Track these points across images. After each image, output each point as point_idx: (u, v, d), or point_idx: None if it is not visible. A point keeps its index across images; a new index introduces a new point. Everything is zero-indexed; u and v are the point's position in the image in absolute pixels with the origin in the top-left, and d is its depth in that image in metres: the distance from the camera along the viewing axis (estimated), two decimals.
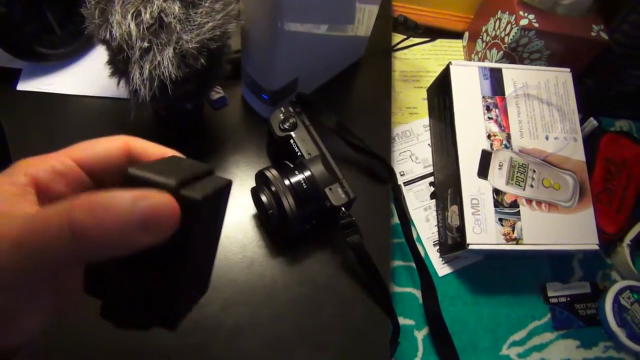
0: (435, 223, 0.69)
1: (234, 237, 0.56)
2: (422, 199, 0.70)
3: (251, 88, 0.60)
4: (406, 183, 0.71)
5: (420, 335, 0.64)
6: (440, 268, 0.67)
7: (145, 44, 0.43)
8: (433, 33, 0.82)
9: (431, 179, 0.71)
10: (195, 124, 0.62)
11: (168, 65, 0.43)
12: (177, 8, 0.43)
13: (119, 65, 0.47)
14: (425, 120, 0.75)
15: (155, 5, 0.43)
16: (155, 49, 0.44)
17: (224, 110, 0.63)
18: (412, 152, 0.72)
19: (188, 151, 0.59)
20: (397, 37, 0.79)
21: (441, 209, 0.68)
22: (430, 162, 0.72)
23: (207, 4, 0.44)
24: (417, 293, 0.65)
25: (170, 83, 0.44)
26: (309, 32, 0.53)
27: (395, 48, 0.78)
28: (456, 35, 0.85)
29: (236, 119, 0.63)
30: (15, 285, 0.20)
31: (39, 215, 0.20)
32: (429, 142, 0.73)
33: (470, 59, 0.80)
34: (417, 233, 0.69)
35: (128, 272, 0.22)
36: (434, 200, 0.70)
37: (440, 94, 0.69)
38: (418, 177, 0.71)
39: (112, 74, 0.49)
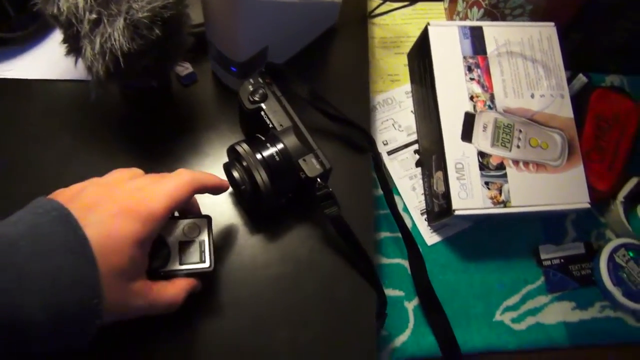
0: (422, 191, 0.67)
1: (210, 214, 0.54)
2: (407, 167, 0.68)
3: (219, 61, 0.57)
4: (390, 152, 0.69)
5: (411, 305, 0.62)
6: (429, 237, 0.66)
7: (94, 16, 0.41)
8: None
9: (416, 146, 0.69)
10: (163, 102, 0.59)
11: (119, 37, 0.41)
12: None
13: (71, 42, 0.44)
14: (407, 86, 0.73)
15: None
16: (105, 20, 0.41)
17: (194, 87, 0.61)
18: (394, 120, 0.70)
19: (158, 131, 0.58)
20: (375, 3, 0.76)
21: (427, 177, 0.66)
22: (414, 129, 0.70)
23: None
24: (406, 264, 0.63)
25: (122, 56, 0.42)
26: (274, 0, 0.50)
27: (372, 14, 0.75)
28: None
29: (207, 95, 0.61)
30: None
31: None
32: (412, 109, 0.71)
33: (452, 19, 0.77)
34: (404, 203, 0.67)
35: None
36: (419, 168, 0.68)
37: (420, 58, 0.67)
38: (402, 146, 0.69)
39: (68, 53, 0.47)
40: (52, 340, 0.33)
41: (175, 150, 0.57)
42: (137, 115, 0.59)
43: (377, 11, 0.76)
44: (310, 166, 0.49)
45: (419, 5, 0.81)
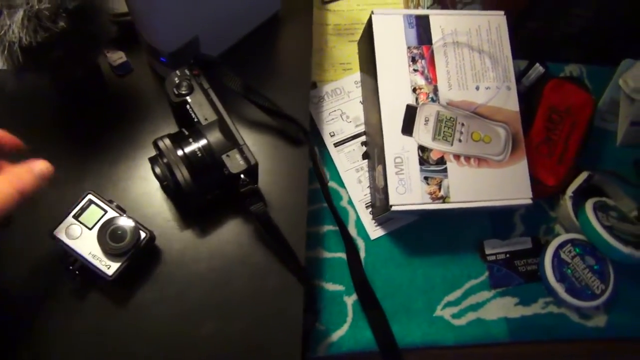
0: (368, 184, 0.66)
1: (138, 210, 0.53)
2: (353, 160, 0.67)
3: (148, 51, 0.55)
4: (337, 144, 0.67)
5: (350, 300, 0.62)
6: (373, 230, 0.65)
7: None
8: None
9: (363, 138, 0.68)
10: (95, 92, 0.58)
11: (18, 30, 0.39)
12: None
13: None
14: (358, 75, 0.71)
15: None
16: (5, 12, 0.40)
17: (129, 77, 0.59)
18: (342, 111, 0.69)
19: (93, 122, 0.56)
20: None
21: (372, 170, 0.65)
22: (362, 120, 0.68)
23: None
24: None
25: (24, 49, 0.40)
26: None
27: (326, 0, 0.73)
28: None
29: (142, 86, 0.59)
30: None
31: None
32: (361, 100, 0.69)
33: (408, 7, 0.75)
34: (349, 196, 0.66)
35: None
36: (366, 160, 0.67)
37: (366, 47, 0.65)
38: (349, 137, 0.68)
39: None
40: None
41: (108, 141, 0.56)
42: (70, 106, 0.57)
43: None
44: (234, 162, 0.48)
45: None
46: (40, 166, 0.40)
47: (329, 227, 0.64)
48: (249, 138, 0.57)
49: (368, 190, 0.66)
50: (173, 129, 0.58)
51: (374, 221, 0.65)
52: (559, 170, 0.65)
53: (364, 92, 0.68)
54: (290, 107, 0.57)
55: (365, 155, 0.67)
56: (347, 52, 0.73)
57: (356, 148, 0.67)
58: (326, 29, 0.75)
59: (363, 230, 0.65)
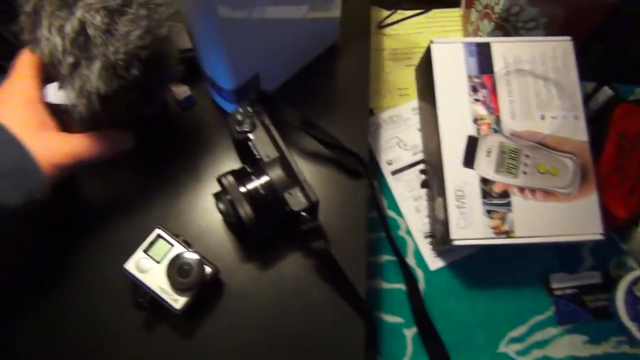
0: (427, 214, 0.65)
1: (201, 242, 0.55)
2: (411, 188, 0.66)
3: (212, 86, 0.57)
4: (394, 172, 0.67)
5: (410, 333, 0.61)
6: (433, 261, 0.64)
7: (71, 60, 0.41)
8: (426, 2, 0.76)
9: (421, 166, 0.67)
10: (160, 126, 0.60)
11: (96, 80, 0.41)
12: (99, 18, 0.41)
13: (60, 80, 0.45)
14: (415, 102, 0.70)
15: (77, 17, 0.41)
16: (84, 63, 0.42)
17: (192, 110, 0.61)
18: (400, 139, 0.68)
19: (155, 155, 0.58)
20: (386, 12, 0.73)
21: (431, 199, 0.63)
22: (420, 148, 0.67)
23: (132, 11, 0.42)
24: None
25: (101, 98, 0.42)
26: (256, 18, 0.48)
27: (383, 24, 0.73)
28: (453, 2, 0.78)
29: (205, 119, 0.60)
30: None
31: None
32: (418, 127, 0.68)
33: (465, 31, 0.73)
34: (407, 225, 0.65)
35: None
36: (425, 189, 0.66)
37: (425, 75, 0.64)
38: (407, 165, 0.67)
39: (60, 87, 0.48)
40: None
41: (170, 174, 0.58)
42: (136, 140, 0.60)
43: (388, 20, 0.73)
44: (296, 200, 0.49)
45: (433, 12, 0.77)
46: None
47: (387, 257, 0.64)
48: (307, 170, 0.58)
49: (427, 220, 0.65)
50: (234, 161, 0.59)
51: (433, 251, 0.64)
52: (631, 201, 0.62)
53: (422, 120, 0.67)
54: (348, 138, 0.57)
55: (424, 184, 0.66)
56: (404, 77, 0.73)
57: (414, 176, 0.66)
58: (382, 53, 0.74)
59: (422, 261, 0.63)
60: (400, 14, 0.74)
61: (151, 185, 0.58)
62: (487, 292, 0.62)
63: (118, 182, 0.58)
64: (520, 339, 0.61)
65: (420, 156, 0.67)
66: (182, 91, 0.60)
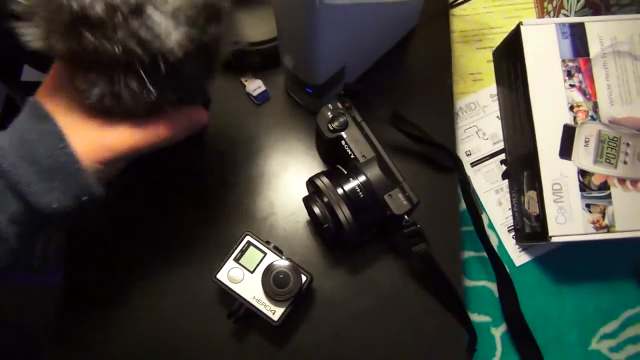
0: (509, 206, 0.62)
1: (289, 248, 0.52)
2: (492, 180, 0.63)
3: (292, 81, 0.53)
4: (473, 163, 0.63)
5: (498, 332, 0.59)
6: (517, 256, 0.61)
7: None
8: None
9: (502, 156, 0.63)
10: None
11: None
12: None
13: None
14: (493, 88, 0.66)
15: None
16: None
17: (266, 106, 0.58)
18: (478, 128, 0.64)
19: (225, 156, 0.55)
20: None
21: (516, 192, 0.60)
22: (500, 137, 0.64)
23: None
24: (492, 286, 0.59)
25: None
26: (354, 3, 0.44)
27: (453, 4, 0.68)
28: None
29: (281, 115, 0.57)
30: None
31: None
32: (498, 114, 0.65)
33: (542, 9, 0.69)
34: (489, 219, 0.62)
35: None
36: (506, 180, 0.63)
37: (510, 60, 0.60)
38: (487, 156, 0.63)
39: None
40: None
41: (247, 176, 0.55)
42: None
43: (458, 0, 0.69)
44: (397, 202, 0.46)
45: None
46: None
47: (469, 253, 0.61)
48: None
49: (509, 213, 0.62)
50: (314, 162, 0.56)
51: (517, 246, 0.61)
52: None
53: (504, 107, 0.63)
54: (434, 130, 0.54)
55: (505, 175, 0.63)
56: (476, 60, 0.68)
57: (495, 167, 0.63)
58: (452, 36, 0.70)
59: (506, 256, 0.61)
60: None
61: (221, 190, 0.54)
62: (575, 286, 0.60)
63: (184, 185, 0.55)
64: (612, 335, 0.58)
65: (500, 145, 0.64)
66: (255, 87, 0.57)
